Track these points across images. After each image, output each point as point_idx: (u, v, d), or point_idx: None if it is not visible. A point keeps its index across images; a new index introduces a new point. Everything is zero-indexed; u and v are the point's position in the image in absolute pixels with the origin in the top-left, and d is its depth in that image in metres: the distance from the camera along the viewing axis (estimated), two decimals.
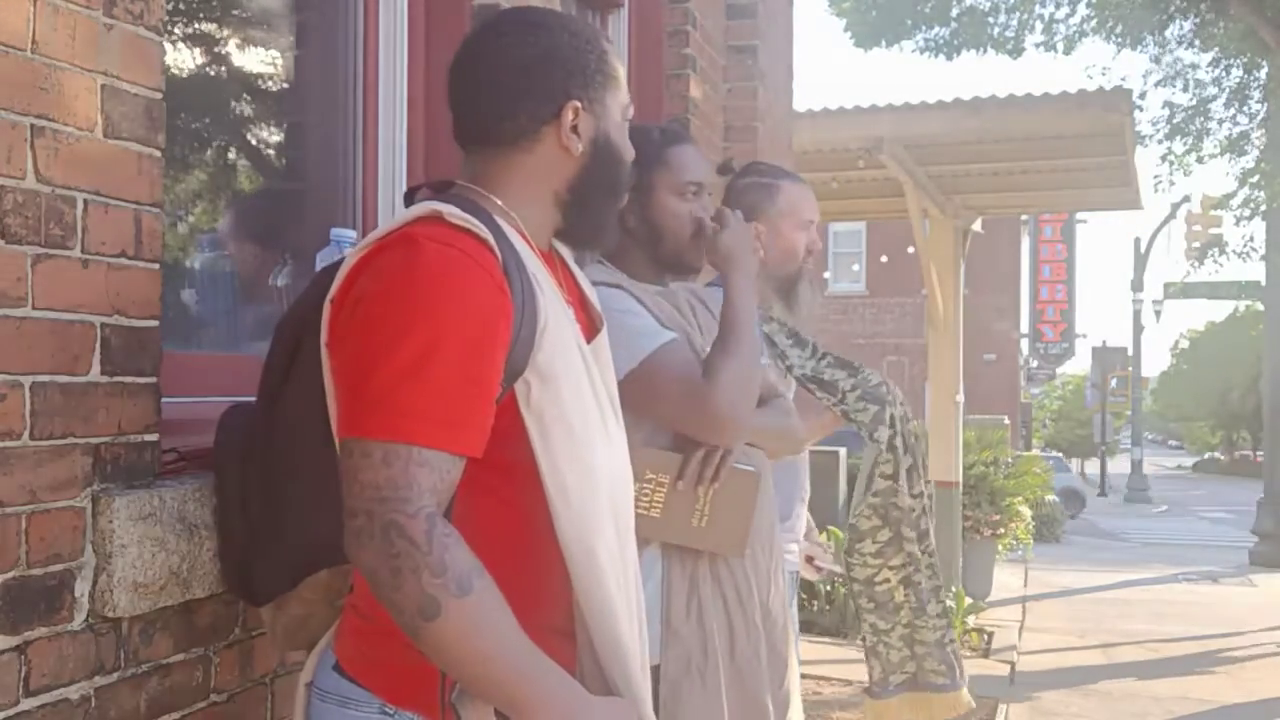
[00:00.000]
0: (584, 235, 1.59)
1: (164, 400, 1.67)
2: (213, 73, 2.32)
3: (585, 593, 1.42)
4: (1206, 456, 59.09)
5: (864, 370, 2.74)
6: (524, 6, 1.59)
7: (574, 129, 1.48)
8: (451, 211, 1.37)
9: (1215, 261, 16.01)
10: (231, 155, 2.42)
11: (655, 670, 1.90)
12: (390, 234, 1.36)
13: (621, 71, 1.55)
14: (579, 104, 1.48)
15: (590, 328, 1.59)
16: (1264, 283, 15.54)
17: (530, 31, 1.50)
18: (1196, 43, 13.71)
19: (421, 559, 1.23)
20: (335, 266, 1.44)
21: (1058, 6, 15.34)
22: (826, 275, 23.84)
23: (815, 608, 7.18)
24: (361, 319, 1.31)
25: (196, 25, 2.28)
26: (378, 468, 1.26)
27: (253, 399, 1.69)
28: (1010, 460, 9.91)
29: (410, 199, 1.49)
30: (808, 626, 6.50)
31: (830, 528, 7.81)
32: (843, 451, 13.05)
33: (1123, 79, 32.66)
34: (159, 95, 1.65)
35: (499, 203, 1.48)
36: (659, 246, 2.14)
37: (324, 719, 1.44)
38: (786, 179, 2.74)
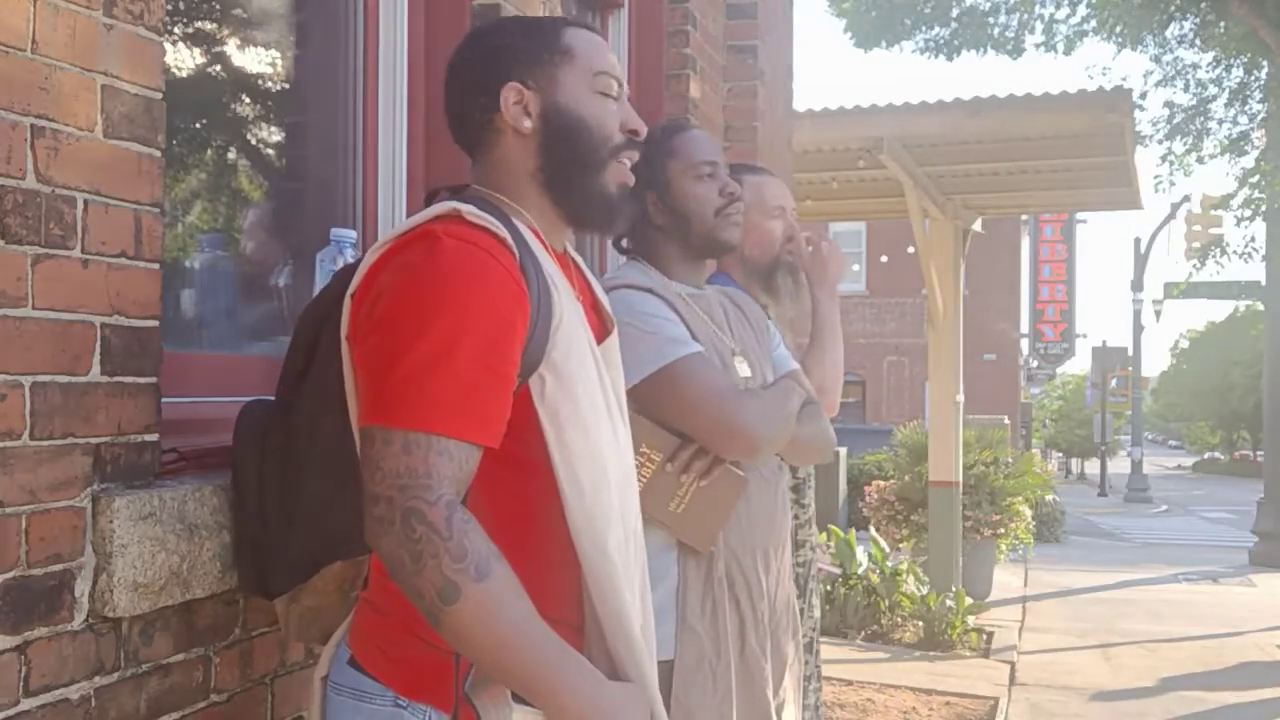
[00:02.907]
0: (583, 215, 1.57)
1: (164, 400, 1.67)
2: (213, 73, 2.32)
3: (597, 585, 1.44)
4: (1206, 456, 59.06)
5: None
6: (493, 19, 1.66)
7: (523, 109, 1.51)
8: (470, 210, 1.41)
9: (1216, 262, 15.98)
10: (231, 155, 2.42)
11: (668, 665, 1.92)
12: (411, 231, 1.40)
13: (583, 46, 1.55)
14: (518, 84, 1.51)
15: (601, 330, 1.62)
16: (1264, 283, 15.53)
17: (480, 37, 1.58)
18: (1197, 43, 13.70)
19: (442, 544, 1.26)
20: (355, 266, 1.48)
21: (1058, 7, 15.34)
22: None
23: None
24: (384, 312, 1.35)
25: (196, 25, 2.28)
26: (399, 455, 1.29)
27: (256, 398, 1.72)
28: (1010, 460, 9.91)
29: (430, 201, 1.53)
30: None
31: (831, 527, 7.82)
32: (843, 451, 13.09)
33: (1123, 79, 32.71)
34: (159, 95, 1.65)
35: (509, 202, 1.52)
36: (689, 232, 2.18)
37: (339, 713, 1.46)
38: (749, 173, 2.75)
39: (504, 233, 1.41)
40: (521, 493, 1.44)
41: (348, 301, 1.43)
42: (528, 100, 1.51)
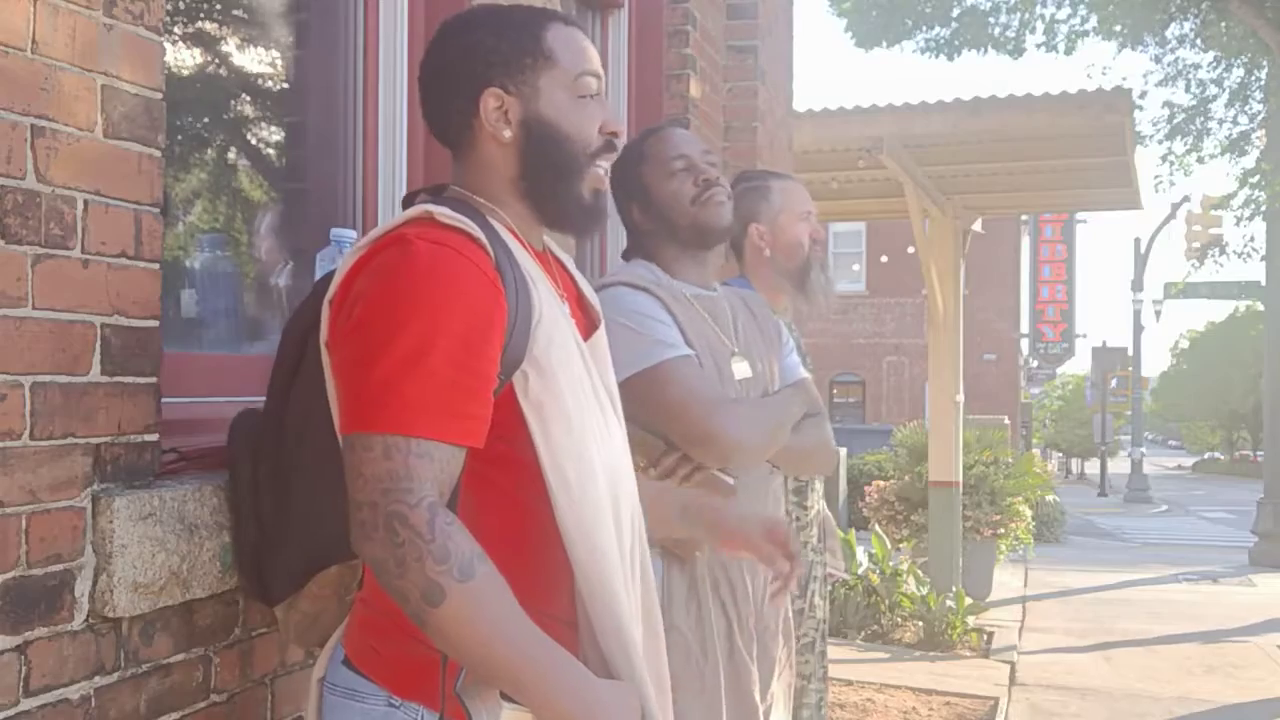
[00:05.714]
0: (560, 221, 1.56)
1: (164, 400, 1.67)
2: (213, 73, 2.32)
3: (587, 580, 1.43)
4: (1206, 456, 59.07)
5: None
6: (464, 10, 1.60)
7: (503, 115, 1.49)
8: (443, 212, 1.41)
9: (1216, 262, 16.01)
10: (231, 155, 2.42)
11: None
12: (384, 236, 1.40)
13: (565, 46, 1.52)
14: (499, 90, 1.49)
15: (587, 326, 1.61)
16: (1264, 283, 15.53)
17: (454, 32, 1.54)
18: (1198, 43, 13.72)
19: (425, 547, 1.26)
20: (334, 273, 1.46)
21: (1058, 6, 15.35)
22: None
23: None
24: (359, 318, 1.34)
25: (196, 25, 2.28)
26: (379, 461, 1.29)
27: (246, 409, 1.72)
28: (1010, 460, 9.91)
29: (409, 204, 1.52)
30: None
31: None
32: (843, 451, 13.09)
33: (1123, 79, 32.76)
34: (159, 95, 1.65)
35: (485, 202, 1.51)
36: (675, 228, 2.18)
37: (335, 712, 1.46)
38: (775, 179, 2.83)
39: (478, 232, 1.40)
40: (511, 491, 1.44)
41: (326, 308, 1.42)
42: (508, 107, 1.49)
